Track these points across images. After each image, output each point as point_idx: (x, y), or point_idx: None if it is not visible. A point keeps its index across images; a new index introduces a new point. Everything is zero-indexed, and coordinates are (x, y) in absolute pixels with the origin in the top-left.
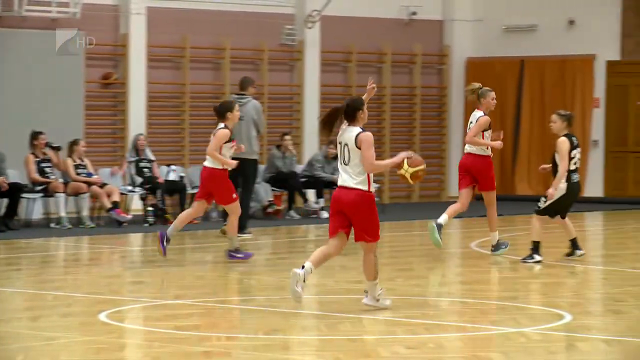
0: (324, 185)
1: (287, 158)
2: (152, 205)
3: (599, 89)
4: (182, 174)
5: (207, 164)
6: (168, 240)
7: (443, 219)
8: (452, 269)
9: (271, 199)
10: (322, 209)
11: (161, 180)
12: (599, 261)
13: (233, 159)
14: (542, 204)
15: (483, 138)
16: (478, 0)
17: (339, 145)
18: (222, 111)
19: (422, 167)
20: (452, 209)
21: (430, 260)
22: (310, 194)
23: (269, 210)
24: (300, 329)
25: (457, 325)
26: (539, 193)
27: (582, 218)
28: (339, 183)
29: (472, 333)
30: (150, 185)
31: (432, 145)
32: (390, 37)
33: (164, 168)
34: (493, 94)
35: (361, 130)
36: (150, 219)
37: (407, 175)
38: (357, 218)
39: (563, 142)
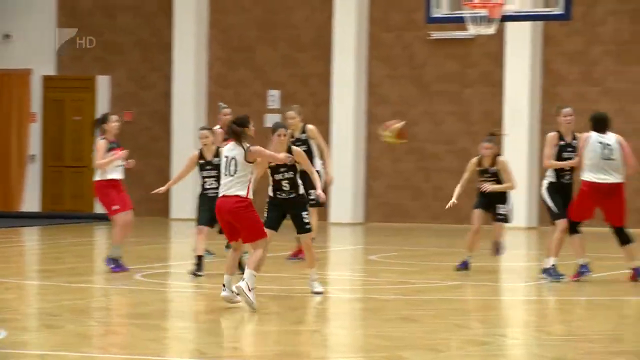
0: None
1: None
2: None
3: (36, 104)
4: None
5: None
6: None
7: None
8: None
9: None
10: None
11: None
12: (35, 276)
13: None
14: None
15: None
16: None
17: (225, 159)
18: (99, 124)
19: (397, 125)
20: None
21: None
22: None
23: None
24: None
25: None
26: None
27: (19, 233)
28: (221, 193)
29: None
30: None
31: None
32: None
33: None
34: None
35: (249, 145)
36: None
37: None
38: (239, 221)
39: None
